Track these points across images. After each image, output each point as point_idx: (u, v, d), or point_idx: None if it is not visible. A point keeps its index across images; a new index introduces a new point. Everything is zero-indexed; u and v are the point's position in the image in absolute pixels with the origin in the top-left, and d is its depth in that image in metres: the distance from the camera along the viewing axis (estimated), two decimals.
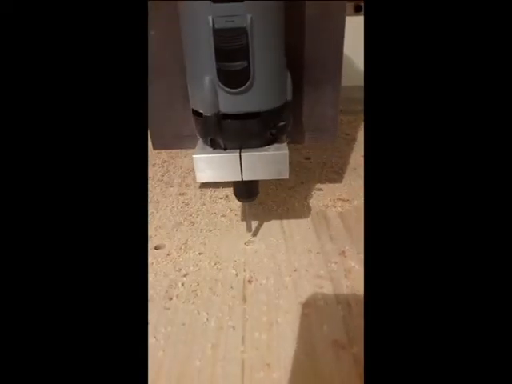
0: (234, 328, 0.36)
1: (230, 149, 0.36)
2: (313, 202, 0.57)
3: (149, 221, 0.53)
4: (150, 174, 0.67)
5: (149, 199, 0.59)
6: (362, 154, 0.71)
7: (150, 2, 0.35)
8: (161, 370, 0.32)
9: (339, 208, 0.55)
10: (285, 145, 0.37)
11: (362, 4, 0.66)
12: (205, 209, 0.56)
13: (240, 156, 0.36)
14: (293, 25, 0.35)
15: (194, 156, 0.36)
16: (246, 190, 0.43)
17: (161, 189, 0.62)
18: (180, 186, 0.63)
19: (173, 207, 0.57)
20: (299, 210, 0.55)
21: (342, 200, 0.56)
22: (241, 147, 0.36)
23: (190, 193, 0.61)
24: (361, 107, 0.93)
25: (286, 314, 0.37)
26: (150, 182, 0.64)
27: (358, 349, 0.33)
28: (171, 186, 0.63)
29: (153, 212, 0.55)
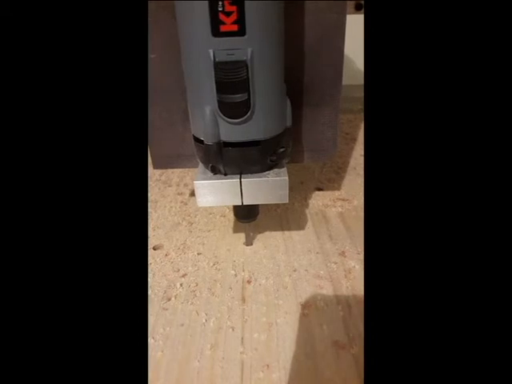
0: (233, 329, 0.35)
1: (231, 174, 0.37)
2: (312, 201, 0.56)
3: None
4: (148, 173, 0.67)
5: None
6: (362, 153, 0.71)
7: (150, 25, 0.36)
8: (159, 371, 0.32)
9: (339, 208, 0.54)
10: (284, 170, 0.38)
11: (363, 2, 0.66)
12: (203, 208, 0.56)
13: (240, 182, 0.37)
14: (292, 51, 0.36)
15: (196, 182, 0.37)
16: (246, 213, 0.44)
17: (159, 188, 0.62)
18: (178, 185, 0.63)
19: (171, 207, 0.56)
20: (299, 210, 0.54)
21: (342, 200, 0.56)
22: (241, 173, 0.37)
23: (188, 192, 0.60)
24: (360, 106, 0.93)
25: (286, 315, 0.37)
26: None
27: (358, 349, 0.33)
28: (169, 186, 0.63)
29: (151, 212, 0.55)
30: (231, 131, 0.34)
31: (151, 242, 0.48)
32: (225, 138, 0.34)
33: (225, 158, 0.35)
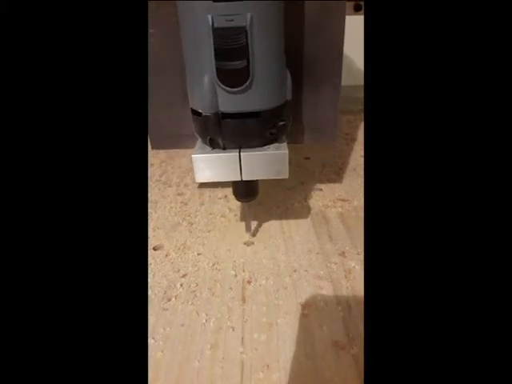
0: (233, 329, 0.35)
1: (229, 148, 0.36)
2: (312, 202, 0.56)
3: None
4: (148, 174, 0.67)
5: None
6: (362, 153, 0.71)
7: (149, 2, 0.35)
8: (160, 371, 0.32)
9: (339, 208, 0.54)
10: (284, 144, 0.37)
11: (362, 3, 0.66)
12: (203, 209, 0.56)
13: (239, 156, 0.36)
14: (292, 24, 0.35)
15: (193, 156, 0.36)
16: (245, 190, 0.43)
17: (159, 189, 0.62)
18: (178, 186, 0.63)
19: (171, 207, 0.57)
20: (299, 211, 0.54)
21: (342, 200, 0.56)
22: (240, 147, 0.36)
23: (188, 193, 0.60)
24: (360, 107, 0.93)
25: (286, 315, 0.37)
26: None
27: (358, 350, 0.33)
28: (169, 186, 0.63)
29: (151, 212, 0.55)
30: (230, 101, 0.33)
31: (151, 243, 0.48)
32: (223, 108, 0.33)
33: (223, 131, 0.34)
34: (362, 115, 0.88)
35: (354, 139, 0.78)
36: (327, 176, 0.64)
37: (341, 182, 0.61)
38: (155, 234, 0.50)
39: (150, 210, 0.56)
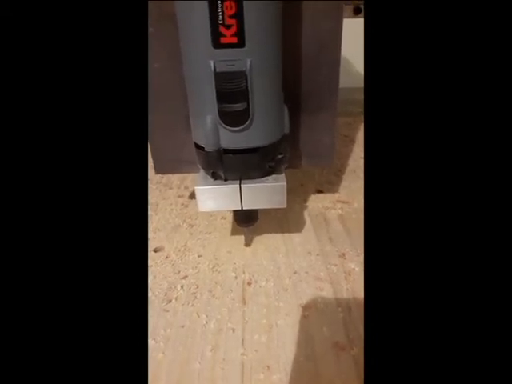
0: (233, 330, 0.35)
1: (230, 180, 0.38)
2: (312, 204, 0.57)
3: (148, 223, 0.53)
4: (149, 176, 0.67)
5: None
6: (361, 155, 0.72)
7: (154, 35, 0.37)
8: (160, 372, 0.32)
9: (339, 210, 0.54)
10: (283, 176, 0.39)
11: (362, 6, 0.66)
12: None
13: (240, 187, 0.37)
14: (289, 61, 0.37)
15: (197, 188, 0.38)
16: (245, 217, 0.44)
17: (160, 191, 0.62)
18: (179, 188, 0.63)
19: (172, 209, 0.57)
20: (299, 212, 0.55)
21: (342, 202, 0.56)
22: (240, 179, 0.38)
23: (188, 195, 0.61)
24: (359, 109, 0.93)
25: (286, 317, 0.37)
26: (148, 184, 0.64)
27: (358, 351, 0.33)
28: (170, 188, 0.63)
29: (152, 214, 0.55)
30: (231, 138, 0.35)
31: (152, 244, 0.49)
32: (225, 144, 0.35)
33: (225, 165, 0.36)
34: (361, 117, 0.89)
35: (353, 141, 0.79)
36: (327, 178, 0.64)
37: (340, 184, 0.62)
38: (156, 236, 0.50)
39: (150, 212, 0.56)
